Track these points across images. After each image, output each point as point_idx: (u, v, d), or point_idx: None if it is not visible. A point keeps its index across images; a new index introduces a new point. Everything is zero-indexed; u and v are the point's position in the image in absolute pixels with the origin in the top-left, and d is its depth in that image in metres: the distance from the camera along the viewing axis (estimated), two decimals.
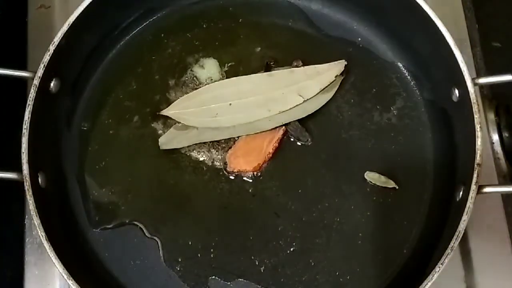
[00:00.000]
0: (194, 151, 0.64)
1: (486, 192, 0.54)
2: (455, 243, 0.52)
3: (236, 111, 0.64)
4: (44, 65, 0.58)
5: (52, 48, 0.59)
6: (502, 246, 0.63)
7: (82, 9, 0.60)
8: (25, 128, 0.56)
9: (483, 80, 0.59)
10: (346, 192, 0.62)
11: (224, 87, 0.65)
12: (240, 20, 0.70)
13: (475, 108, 0.55)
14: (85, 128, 0.66)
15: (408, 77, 0.67)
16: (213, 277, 0.60)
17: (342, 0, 0.68)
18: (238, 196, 0.63)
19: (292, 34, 0.69)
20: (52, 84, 0.60)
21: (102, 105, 0.66)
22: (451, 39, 0.58)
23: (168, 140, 0.64)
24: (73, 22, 0.60)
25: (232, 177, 0.63)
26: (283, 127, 0.64)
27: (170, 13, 0.70)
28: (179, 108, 0.65)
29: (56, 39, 0.59)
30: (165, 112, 0.65)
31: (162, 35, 0.69)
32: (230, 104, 0.64)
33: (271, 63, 0.67)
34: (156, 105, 0.66)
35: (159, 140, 0.64)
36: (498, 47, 0.73)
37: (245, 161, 0.63)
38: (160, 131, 0.65)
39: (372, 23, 0.68)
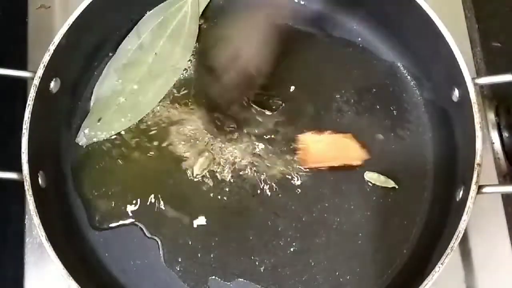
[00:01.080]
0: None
1: (486, 192, 0.54)
2: (455, 243, 0.52)
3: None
4: (44, 65, 0.58)
5: (52, 48, 0.59)
6: (502, 246, 0.63)
7: (82, 9, 0.60)
8: (25, 128, 0.56)
9: (483, 80, 0.59)
10: (346, 192, 0.62)
11: None
12: None
13: (475, 108, 0.55)
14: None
15: (408, 77, 0.67)
16: (213, 277, 0.60)
17: (342, 0, 0.68)
18: (238, 196, 0.63)
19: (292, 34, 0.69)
20: (52, 84, 0.60)
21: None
22: (451, 39, 0.58)
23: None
24: (73, 22, 0.60)
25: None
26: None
27: None
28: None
29: (56, 39, 0.59)
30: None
31: None
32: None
33: None
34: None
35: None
36: (498, 47, 0.73)
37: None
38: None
39: (372, 23, 0.68)
